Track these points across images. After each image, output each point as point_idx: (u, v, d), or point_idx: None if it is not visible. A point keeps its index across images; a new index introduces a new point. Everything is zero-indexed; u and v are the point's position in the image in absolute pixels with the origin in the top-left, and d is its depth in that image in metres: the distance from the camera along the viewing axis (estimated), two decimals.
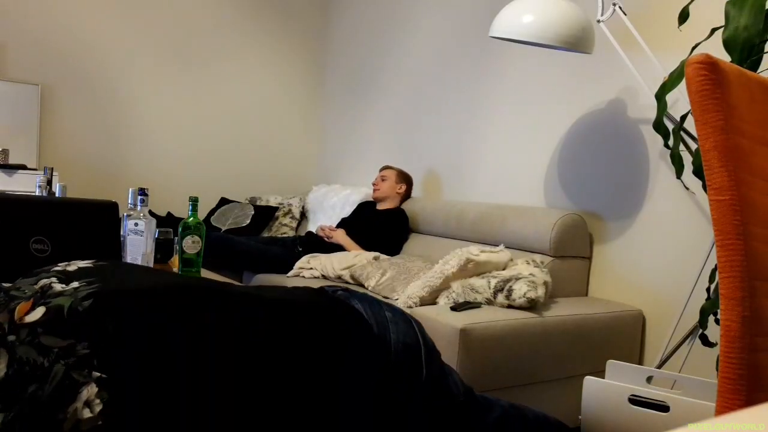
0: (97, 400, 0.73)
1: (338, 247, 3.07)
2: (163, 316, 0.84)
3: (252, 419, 0.83)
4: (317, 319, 0.98)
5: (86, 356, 0.75)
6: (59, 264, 0.92)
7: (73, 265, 0.90)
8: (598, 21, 2.14)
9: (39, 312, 0.79)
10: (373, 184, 3.30)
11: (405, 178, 3.30)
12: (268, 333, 0.90)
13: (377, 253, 2.90)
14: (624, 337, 2.23)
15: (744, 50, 1.56)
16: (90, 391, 0.73)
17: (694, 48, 1.80)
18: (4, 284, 0.89)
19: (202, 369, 0.82)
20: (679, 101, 2.16)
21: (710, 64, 0.80)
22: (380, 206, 3.28)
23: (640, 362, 2.32)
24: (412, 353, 1.05)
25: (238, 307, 0.92)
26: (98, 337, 0.77)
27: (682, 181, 2.09)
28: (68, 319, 0.78)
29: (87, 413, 0.72)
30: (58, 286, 0.83)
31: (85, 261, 0.94)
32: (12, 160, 3.25)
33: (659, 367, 2.07)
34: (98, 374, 0.74)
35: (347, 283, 2.72)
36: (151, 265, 1.87)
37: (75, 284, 0.84)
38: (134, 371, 0.77)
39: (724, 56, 1.26)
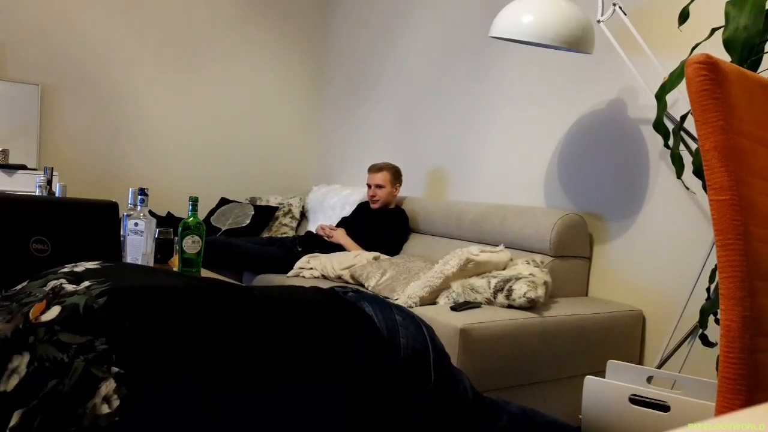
0: (115, 396, 0.74)
1: (338, 247, 3.07)
2: (178, 314, 0.85)
3: (264, 417, 0.84)
4: (326, 323, 0.98)
5: (105, 352, 0.76)
6: (65, 266, 0.92)
7: (80, 266, 0.92)
8: (598, 21, 2.14)
9: (54, 311, 0.80)
10: (371, 196, 3.19)
11: (397, 176, 3.22)
12: (278, 334, 0.91)
13: (377, 253, 2.90)
14: (624, 337, 2.23)
15: (744, 50, 1.56)
16: (108, 386, 0.74)
17: (694, 48, 1.80)
18: (8, 292, 0.89)
19: (216, 366, 0.82)
20: (679, 101, 2.16)
21: (710, 64, 0.80)
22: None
23: (640, 362, 2.32)
24: (421, 358, 1.05)
25: (248, 307, 0.93)
26: (115, 334, 0.78)
27: (682, 181, 2.09)
28: (85, 317, 0.79)
29: (105, 409, 0.73)
30: (70, 287, 0.84)
31: (90, 262, 0.95)
32: (12, 160, 3.25)
33: (659, 367, 2.07)
34: (117, 369, 0.75)
35: (347, 283, 2.72)
36: (152, 265, 1.87)
37: (86, 283, 0.85)
38: (151, 367, 0.78)
39: (724, 56, 1.26)
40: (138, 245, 1.80)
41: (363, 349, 0.98)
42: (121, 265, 0.98)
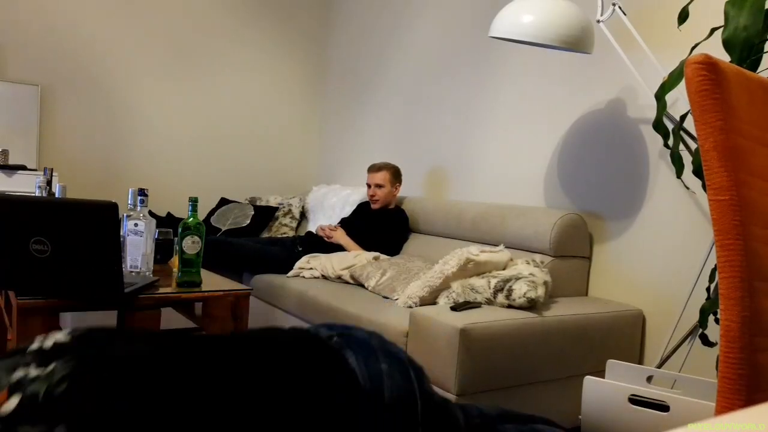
0: None
1: (338, 247, 3.07)
2: (146, 391, 0.83)
3: None
4: (302, 384, 0.95)
5: None
6: (38, 338, 0.90)
7: (50, 339, 0.89)
8: (598, 21, 2.14)
9: (14, 401, 0.78)
10: (371, 196, 3.19)
11: (397, 176, 3.22)
12: (250, 393, 0.88)
13: (377, 253, 2.90)
14: (624, 337, 2.23)
15: (743, 50, 1.56)
16: None
17: (693, 48, 1.80)
18: None
19: None
20: (679, 101, 2.16)
21: (710, 64, 0.80)
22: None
23: (640, 362, 2.32)
24: (408, 410, 1.01)
25: (218, 372, 0.90)
26: (76, 419, 0.76)
27: (682, 181, 2.09)
28: (43, 404, 0.77)
29: None
30: (34, 372, 0.82)
31: (63, 332, 0.92)
32: (12, 161, 3.25)
33: (659, 366, 2.07)
34: None
35: (347, 283, 2.72)
36: (151, 265, 1.87)
37: (51, 366, 0.83)
38: None
39: (723, 56, 1.26)
40: (138, 245, 1.80)
41: (341, 410, 0.95)
42: (92, 334, 0.95)
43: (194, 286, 1.72)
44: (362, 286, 2.65)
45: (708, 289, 1.88)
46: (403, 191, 3.45)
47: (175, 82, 3.89)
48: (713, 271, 1.80)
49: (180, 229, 1.71)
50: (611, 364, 1.70)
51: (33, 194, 2.60)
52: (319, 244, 3.13)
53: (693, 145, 1.95)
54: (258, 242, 3.26)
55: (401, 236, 3.13)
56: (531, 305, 2.03)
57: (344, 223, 3.27)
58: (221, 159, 4.09)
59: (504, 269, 2.20)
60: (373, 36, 3.94)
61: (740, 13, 1.57)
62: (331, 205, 3.73)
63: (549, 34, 2.04)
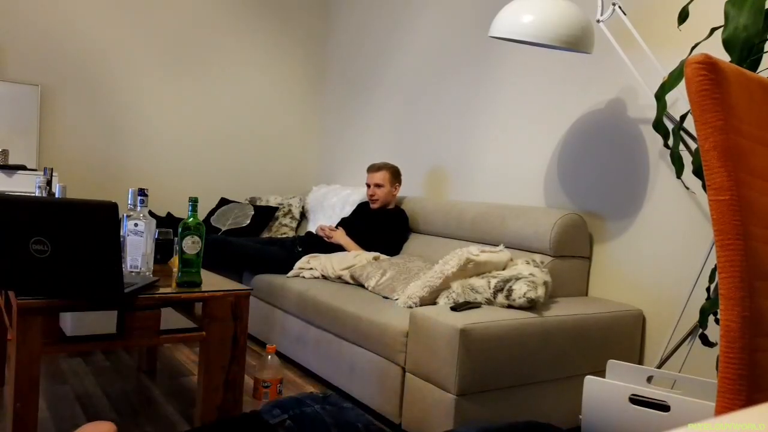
0: None
1: (338, 247, 3.07)
2: None
3: None
4: None
5: None
6: None
7: None
8: (598, 21, 2.14)
9: None
10: (370, 195, 3.19)
11: (396, 176, 3.22)
12: None
13: (377, 253, 2.90)
14: (624, 337, 2.23)
15: (743, 50, 1.56)
16: None
17: (693, 48, 1.80)
18: None
19: None
20: (679, 101, 2.16)
21: (709, 64, 0.80)
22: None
23: (640, 362, 2.32)
24: None
25: None
26: None
27: (682, 181, 2.09)
28: None
29: None
30: None
31: None
32: (12, 161, 3.25)
33: (659, 367, 2.07)
34: None
35: (347, 283, 2.72)
36: (151, 265, 1.87)
37: None
38: None
39: (723, 56, 1.26)
40: (138, 246, 1.80)
41: None
42: None
43: (194, 286, 1.72)
44: (362, 286, 2.65)
45: (708, 289, 1.88)
46: (403, 191, 3.45)
47: (175, 82, 3.89)
48: (713, 271, 1.80)
49: (180, 229, 1.71)
50: (611, 364, 1.70)
51: (33, 194, 2.60)
52: (319, 244, 3.13)
53: (693, 145, 1.95)
54: (258, 242, 3.26)
55: (401, 236, 3.13)
56: (531, 305, 2.03)
57: (344, 223, 3.27)
58: (221, 159, 4.09)
59: (504, 269, 2.20)
60: (373, 35, 3.94)
61: (740, 13, 1.57)
62: (331, 205, 3.74)
63: (549, 34, 2.04)
